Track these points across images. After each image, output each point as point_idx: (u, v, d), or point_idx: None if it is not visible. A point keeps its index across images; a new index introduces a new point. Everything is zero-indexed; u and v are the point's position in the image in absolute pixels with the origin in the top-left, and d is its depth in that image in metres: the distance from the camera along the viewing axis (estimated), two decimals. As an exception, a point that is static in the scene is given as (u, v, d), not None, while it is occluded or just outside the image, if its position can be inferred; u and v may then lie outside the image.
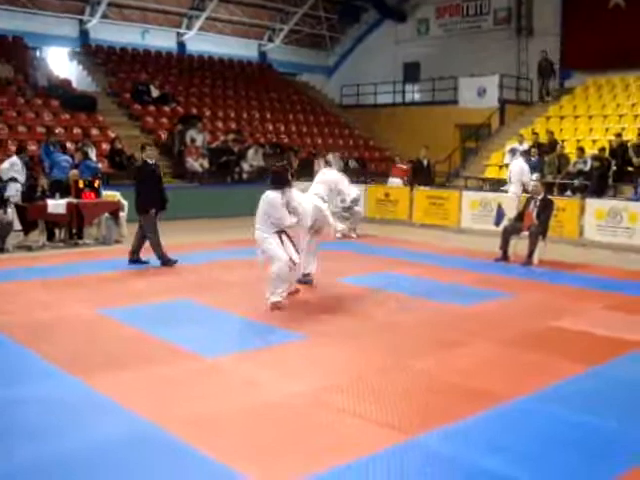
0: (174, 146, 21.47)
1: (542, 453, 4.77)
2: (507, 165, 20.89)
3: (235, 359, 6.80)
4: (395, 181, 20.53)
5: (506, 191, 18.38)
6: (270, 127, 26.26)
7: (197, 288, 10.14)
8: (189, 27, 29.87)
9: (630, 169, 18.90)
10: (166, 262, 12.02)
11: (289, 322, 8.26)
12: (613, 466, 4.62)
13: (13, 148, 17.90)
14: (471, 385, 6.10)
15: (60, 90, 22.81)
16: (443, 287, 10.57)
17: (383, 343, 7.46)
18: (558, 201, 14.73)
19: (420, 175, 19.99)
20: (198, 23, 29.60)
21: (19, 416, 5.35)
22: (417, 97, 31.09)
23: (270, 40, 32.53)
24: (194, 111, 24.81)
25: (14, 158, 16.08)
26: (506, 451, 4.77)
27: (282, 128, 26.60)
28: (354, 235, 16.07)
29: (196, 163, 20.93)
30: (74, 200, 14.41)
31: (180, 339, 7.38)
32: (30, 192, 14.40)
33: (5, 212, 13.56)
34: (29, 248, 13.83)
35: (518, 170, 17.10)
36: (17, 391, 5.87)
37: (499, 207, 14.29)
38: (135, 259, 12.15)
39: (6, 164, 15.67)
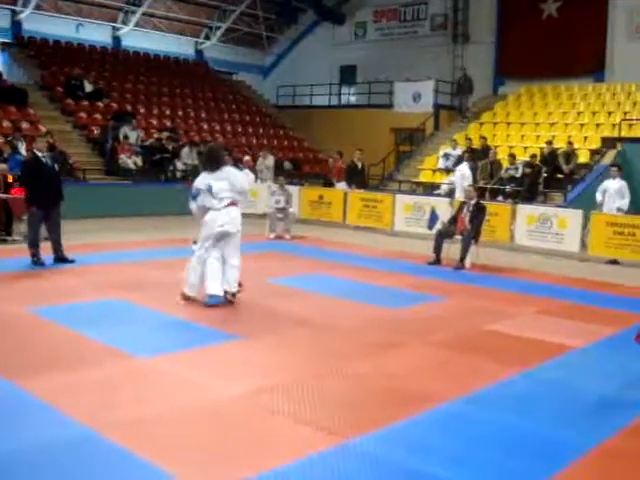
0: (107, 143, 21.12)
1: (474, 455, 4.81)
2: (445, 170, 21.26)
3: (170, 360, 6.70)
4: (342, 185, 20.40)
5: (440, 195, 18.68)
6: (205, 126, 26.07)
7: (128, 287, 9.96)
8: (125, 22, 29.50)
9: (560, 176, 19.34)
10: (37, 262, 11.60)
11: (224, 323, 8.20)
12: (547, 467, 4.68)
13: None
14: (405, 388, 6.12)
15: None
16: (376, 290, 10.62)
17: (318, 346, 7.44)
18: (490, 206, 14.93)
19: (354, 177, 20.06)
20: (134, 18, 29.25)
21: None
22: (353, 100, 31.30)
23: (207, 38, 32.32)
24: (128, 107, 24.46)
25: None
26: (438, 453, 4.79)
27: (217, 127, 26.43)
28: (287, 236, 16.05)
29: (129, 160, 20.64)
30: (2, 195, 14.07)
31: (113, 339, 7.24)
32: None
33: None
34: (-46, 245, 13.48)
35: (459, 175, 17.41)
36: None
37: (432, 211, 14.47)
38: (61, 257, 11.85)
39: None
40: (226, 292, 9.04)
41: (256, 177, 19.64)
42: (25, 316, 8.22)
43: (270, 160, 21.24)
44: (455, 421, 5.42)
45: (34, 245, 11.60)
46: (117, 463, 4.55)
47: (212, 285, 8.88)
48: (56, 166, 12.16)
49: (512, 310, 9.48)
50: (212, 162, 9.07)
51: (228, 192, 8.90)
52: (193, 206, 9.10)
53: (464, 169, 17.98)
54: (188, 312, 8.64)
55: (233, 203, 8.98)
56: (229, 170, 9.22)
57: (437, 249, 13.22)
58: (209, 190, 8.88)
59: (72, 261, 11.79)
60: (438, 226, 13.68)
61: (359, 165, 20.29)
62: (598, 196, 15.48)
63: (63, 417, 5.23)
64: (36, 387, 5.78)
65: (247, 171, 15.28)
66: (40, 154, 11.85)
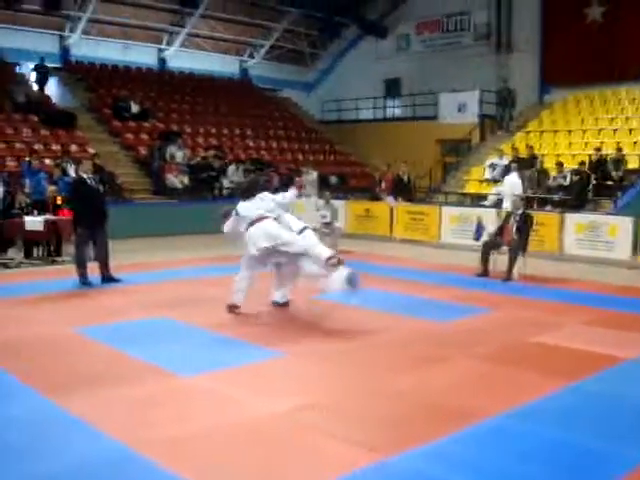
0: (153, 162, 21.36)
1: (518, 471, 4.69)
2: (492, 180, 21.05)
3: (211, 378, 6.69)
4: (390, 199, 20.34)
5: (486, 206, 18.49)
6: (251, 143, 26.23)
7: (174, 305, 10.01)
8: (170, 43, 29.86)
9: (609, 183, 19.00)
10: (85, 282, 11.74)
11: (266, 340, 8.15)
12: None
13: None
14: (447, 403, 6.02)
15: (39, 106, 22.70)
16: (422, 302, 10.52)
17: (361, 361, 7.37)
18: (538, 216, 14.73)
19: (400, 190, 19.97)
20: (179, 39, 29.60)
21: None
22: (398, 112, 31.20)
23: (251, 56, 32.54)
24: (174, 127, 24.73)
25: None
26: (480, 470, 4.69)
27: (263, 144, 26.57)
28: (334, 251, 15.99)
29: (176, 179, 20.84)
30: (51, 217, 14.29)
31: (156, 358, 7.27)
32: (7, 209, 14.28)
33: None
34: (5, 265, 13.69)
35: (509, 185, 17.20)
36: (-14, 412, 5.75)
37: (479, 222, 14.28)
38: (108, 277, 11.97)
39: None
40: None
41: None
42: (70, 335, 8.30)
43: (313, 175, 21.26)
44: (498, 436, 5.30)
45: (81, 265, 11.74)
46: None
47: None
48: (101, 187, 12.28)
49: (560, 321, 9.29)
50: (245, 193, 9.80)
51: (260, 210, 9.39)
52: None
53: (514, 179, 17.76)
54: (231, 329, 8.66)
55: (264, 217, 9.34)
56: (262, 195, 9.61)
57: (484, 261, 13.06)
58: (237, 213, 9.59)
59: (119, 280, 11.91)
60: (485, 237, 13.51)
61: (404, 178, 20.21)
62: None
63: (102, 435, 5.24)
64: (76, 405, 5.81)
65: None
66: (85, 176, 12.02)
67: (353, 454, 4.96)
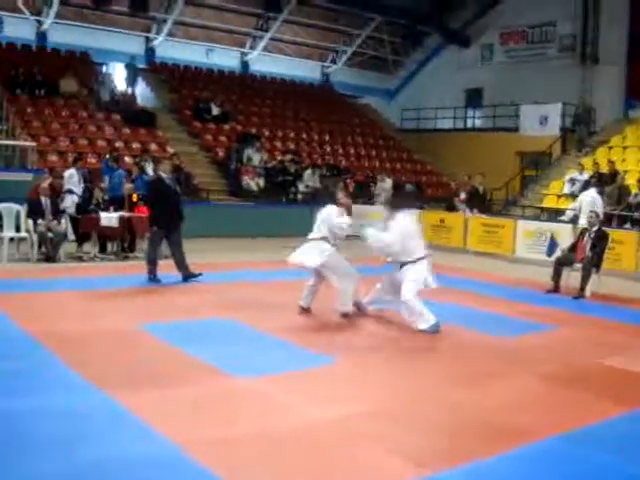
0: (230, 164, 21.59)
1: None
2: (570, 195, 20.60)
3: (267, 381, 6.69)
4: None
5: (564, 221, 18.08)
6: (328, 149, 26.30)
7: (240, 307, 10.07)
8: (253, 47, 30.20)
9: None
10: (153, 279, 11.90)
11: (323, 345, 8.13)
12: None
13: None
14: (503, 421, 5.87)
15: (122, 105, 23.19)
16: (487, 317, 10.34)
17: (416, 371, 7.29)
18: (616, 234, 14.39)
19: (475, 202, 19.73)
20: (262, 43, 29.92)
21: (44, 427, 5.31)
22: (478, 123, 30.91)
23: (333, 62, 32.66)
24: (253, 130, 24.99)
25: (71, 170, 16.38)
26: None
27: (340, 150, 26.60)
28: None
29: (252, 182, 21.03)
30: (127, 214, 14.55)
31: (215, 358, 7.31)
32: (85, 204, 14.61)
33: (59, 223, 13.74)
34: (80, 259, 14.03)
35: (590, 201, 16.74)
36: (45, 402, 5.84)
37: (552, 237, 14.02)
38: (187, 274, 12.09)
39: (65, 175, 15.95)
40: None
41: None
42: (135, 331, 8.41)
43: (388, 183, 21.19)
44: (548, 459, 5.13)
45: (152, 262, 11.94)
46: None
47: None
48: (177, 188, 12.42)
49: (630, 343, 9.00)
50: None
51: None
52: None
53: (592, 194, 17.26)
54: (292, 334, 8.64)
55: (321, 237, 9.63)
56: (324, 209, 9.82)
57: (556, 277, 12.79)
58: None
59: (199, 275, 12.11)
60: (558, 253, 13.24)
61: (480, 189, 19.96)
62: None
63: (152, 432, 5.29)
64: (132, 401, 5.87)
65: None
66: (164, 175, 12.21)
67: (400, 467, 4.88)
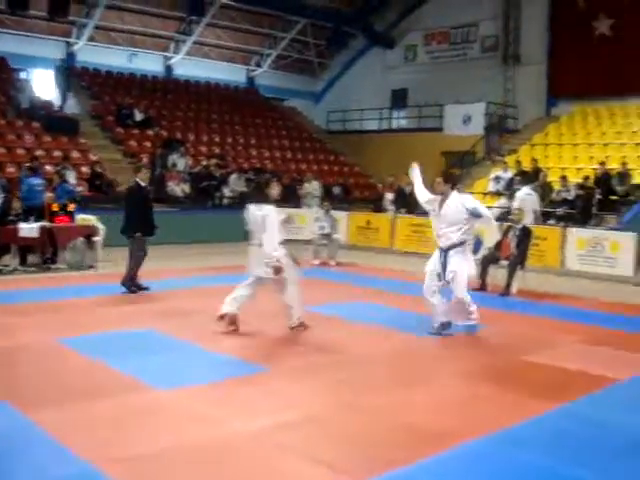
0: (155, 170, 21.20)
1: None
2: (496, 193, 20.79)
3: (189, 393, 6.51)
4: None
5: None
6: (254, 152, 26.11)
7: (163, 317, 9.84)
8: (176, 51, 29.80)
9: (614, 198, 18.78)
10: (132, 289, 11.70)
11: (250, 354, 7.97)
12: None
13: (-9, 170, 17.77)
14: (426, 425, 5.81)
15: (42, 112, 22.63)
16: (414, 317, 10.25)
17: (345, 378, 7.16)
18: (540, 230, 14.57)
19: (402, 202, 19.79)
20: (185, 47, 29.55)
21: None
22: (404, 123, 31.09)
23: (258, 65, 32.47)
24: (178, 135, 24.66)
25: (-10, 179, 15.92)
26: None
27: (266, 154, 26.44)
28: (332, 263, 15.84)
29: (177, 187, 20.72)
30: (47, 224, 14.16)
31: (135, 371, 7.09)
32: (3, 215, 14.16)
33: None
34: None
35: (533, 199, 16.76)
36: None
37: (477, 236, 14.05)
38: (130, 285, 11.82)
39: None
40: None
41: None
42: (52, 346, 8.13)
43: (314, 185, 21.14)
44: (475, 462, 5.07)
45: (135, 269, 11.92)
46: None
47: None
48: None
49: (555, 339, 9.08)
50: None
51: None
52: None
53: (532, 192, 17.11)
54: (219, 343, 8.46)
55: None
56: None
57: (482, 275, 12.87)
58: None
59: (146, 288, 11.92)
60: (483, 251, 13.32)
61: (406, 190, 19.99)
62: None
63: (65, 451, 5.08)
64: (44, 419, 5.65)
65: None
66: (143, 184, 12.07)
67: (320, 477, 4.78)
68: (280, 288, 8.88)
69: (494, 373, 7.46)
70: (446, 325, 9.12)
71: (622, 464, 5.21)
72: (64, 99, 24.31)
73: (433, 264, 9.20)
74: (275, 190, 8.92)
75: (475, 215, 8.99)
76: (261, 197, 8.82)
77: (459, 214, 8.95)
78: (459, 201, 9.03)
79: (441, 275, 9.08)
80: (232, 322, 8.79)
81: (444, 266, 9.04)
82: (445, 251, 9.07)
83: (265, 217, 8.58)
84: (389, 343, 8.74)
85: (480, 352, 8.37)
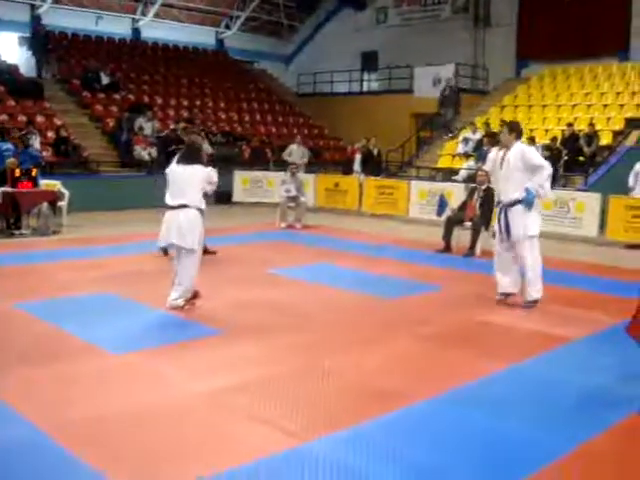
0: (122, 135, 21.02)
1: (440, 461, 4.50)
2: (465, 155, 20.82)
3: (143, 356, 6.49)
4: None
5: (457, 181, 18.29)
6: (223, 116, 25.87)
7: (125, 281, 9.78)
8: (144, 13, 29.33)
9: (581, 159, 18.84)
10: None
11: (207, 317, 7.93)
12: (515, 471, 4.39)
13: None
14: (381, 385, 5.84)
15: (6, 76, 22.27)
16: (376, 279, 10.34)
17: (300, 340, 7.16)
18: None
19: (369, 164, 19.74)
20: (153, 9, 29.06)
21: None
22: (374, 86, 30.96)
23: (227, 27, 32.06)
24: (146, 99, 24.35)
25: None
26: (395, 458, 4.50)
27: (235, 117, 26.22)
28: (299, 225, 15.80)
29: (144, 152, 20.51)
30: (9, 189, 14.00)
31: (91, 335, 7.06)
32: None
33: None
34: (-40, 238, 13.45)
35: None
36: None
37: (441, 197, 14.10)
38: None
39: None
40: None
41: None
42: (8, 311, 8.05)
43: (302, 148, 21.12)
44: (423, 423, 5.10)
45: None
46: (56, 465, 4.39)
47: None
48: None
49: (513, 299, 9.09)
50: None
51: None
52: None
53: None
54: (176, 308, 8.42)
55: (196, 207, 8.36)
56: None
57: (447, 236, 12.93)
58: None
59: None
60: (448, 212, 13.34)
61: (374, 151, 19.98)
62: (630, 180, 15.04)
63: (15, 415, 5.07)
64: (-4, 385, 5.63)
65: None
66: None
67: (270, 438, 4.79)
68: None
69: (448, 334, 7.50)
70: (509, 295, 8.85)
71: (576, 419, 5.27)
72: (40, 64, 23.84)
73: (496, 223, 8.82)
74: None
75: (531, 167, 8.43)
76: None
77: (518, 167, 8.46)
78: (520, 152, 8.52)
79: (504, 235, 8.71)
80: (196, 296, 8.60)
81: (507, 225, 8.64)
82: (506, 208, 8.63)
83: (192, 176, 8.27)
84: (349, 305, 8.76)
85: (435, 313, 8.39)
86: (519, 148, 8.58)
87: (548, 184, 8.52)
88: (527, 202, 8.36)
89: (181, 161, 8.43)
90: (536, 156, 8.67)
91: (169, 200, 8.27)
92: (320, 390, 5.72)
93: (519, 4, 26.50)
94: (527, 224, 8.54)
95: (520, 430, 5.04)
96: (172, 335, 7.25)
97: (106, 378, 5.95)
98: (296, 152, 20.98)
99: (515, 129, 8.74)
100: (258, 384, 5.79)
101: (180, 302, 8.20)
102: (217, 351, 6.76)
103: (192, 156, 8.48)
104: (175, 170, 8.36)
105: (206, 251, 11.05)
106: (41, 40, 23.76)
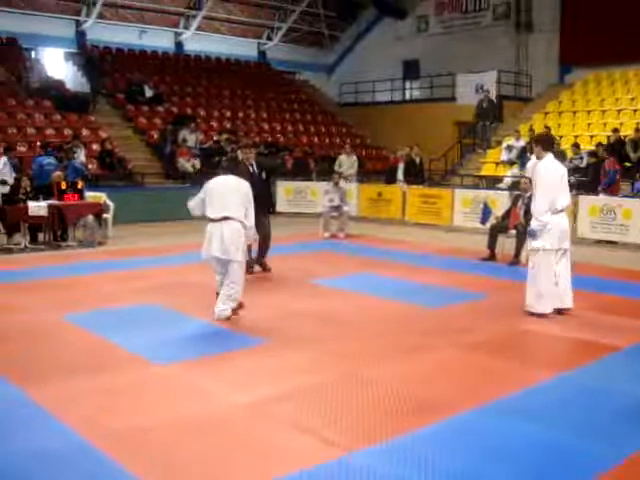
0: (165, 146, 21.24)
1: (482, 471, 4.43)
2: (508, 163, 20.68)
3: (187, 366, 6.52)
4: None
5: (501, 188, 18.15)
6: (266, 126, 26.01)
7: (169, 292, 9.85)
8: (186, 27, 29.62)
9: (627, 164, 18.56)
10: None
11: (252, 327, 7.95)
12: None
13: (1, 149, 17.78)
14: (424, 395, 5.78)
15: (53, 91, 22.63)
16: (419, 288, 10.27)
17: (344, 349, 7.14)
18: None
19: (412, 173, 19.63)
20: (195, 22, 29.35)
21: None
22: (416, 94, 30.88)
23: (269, 39, 32.25)
24: (189, 111, 24.61)
25: (3, 159, 15.94)
26: (442, 470, 4.43)
27: (278, 127, 26.34)
28: (342, 235, 15.79)
29: (187, 163, 20.69)
30: (56, 202, 14.19)
31: (136, 346, 7.13)
32: (12, 194, 14.21)
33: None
34: (10, 250, 13.63)
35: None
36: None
37: (485, 205, 13.97)
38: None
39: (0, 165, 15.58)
40: None
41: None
42: (56, 322, 8.17)
43: (352, 158, 21.07)
44: (468, 433, 5.03)
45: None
46: (100, 474, 4.42)
47: None
48: (264, 174, 11.19)
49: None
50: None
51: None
52: None
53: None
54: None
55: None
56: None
57: (491, 244, 12.81)
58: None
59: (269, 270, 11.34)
60: (492, 220, 13.22)
61: (417, 160, 19.88)
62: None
63: (58, 425, 5.14)
64: (43, 395, 5.69)
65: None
66: (247, 162, 10.98)
67: (313, 448, 4.77)
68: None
69: (493, 343, 7.40)
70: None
71: (626, 429, 5.16)
72: (92, 81, 24.09)
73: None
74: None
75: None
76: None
77: (534, 183, 8.50)
78: (537, 169, 8.49)
79: None
80: (240, 307, 8.59)
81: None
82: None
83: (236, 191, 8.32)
84: (392, 314, 8.70)
85: (481, 321, 8.29)
86: (539, 164, 8.49)
87: (542, 218, 8.32)
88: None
89: (225, 173, 8.49)
90: (540, 183, 8.39)
91: (211, 213, 8.28)
92: (363, 399, 5.68)
93: (561, 9, 26.22)
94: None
95: (567, 440, 4.94)
96: (216, 345, 7.29)
97: (150, 388, 5.99)
98: (346, 162, 20.97)
99: (540, 140, 8.74)
100: (301, 394, 5.77)
101: (227, 313, 8.24)
102: (261, 361, 6.77)
103: (236, 169, 8.57)
104: (219, 182, 8.40)
105: (263, 267, 11.07)
106: (95, 66, 23.91)
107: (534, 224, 8.43)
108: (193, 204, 8.55)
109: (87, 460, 4.59)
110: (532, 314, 8.48)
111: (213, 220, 8.26)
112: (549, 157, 8.48)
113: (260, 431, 5.07)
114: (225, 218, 8.18)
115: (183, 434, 5.00)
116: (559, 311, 8.53)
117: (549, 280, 8.42)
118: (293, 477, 4.32)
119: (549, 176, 8.37)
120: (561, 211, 8.47)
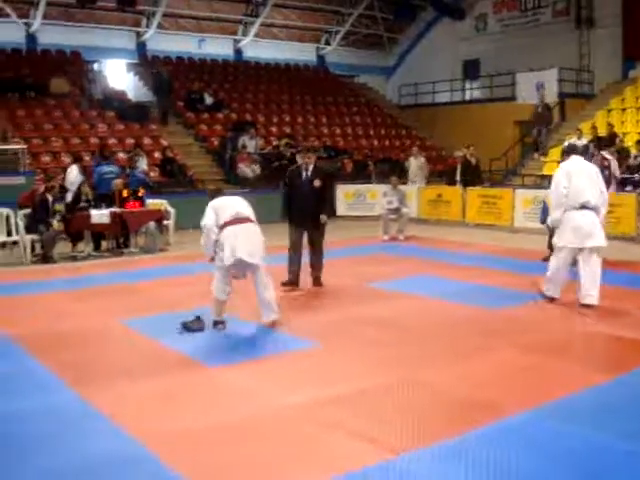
0: (225, 153, 21.45)
1: (537, 474, 4.37)
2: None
3: (239, 369, 6.60)
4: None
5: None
6: (325, 130, 26.06)
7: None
8: (245, 34, 29.84)
9: (694, 161, 18.12)
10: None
11: (306, 330, 7.98)
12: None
13: (67, 160, 18.16)
14: (480, 398, 5.70)
15: (115, 102, 23.05)
16: (479, 289, 10.16)
17: (399, 352, 7.11)
18: (613, 197, 14.10)
19: (469, 174, 19.39)
20: (253, 29, 29.54)
21: (15, 429, 5.27)
22: (476, 94, 30.59)
23: (327, 43, 32.28)
24: (248, 117, 24.79)
25: (75, 166, 16.28)
26: (497, 472, 4.38)
27: (338, 131, 26.36)
28: (401, 237, 15.72)
29: (247, 169, 20.86)
30: (118, 210, 14.44)
31: (192, 349, 7.25)
32: (74, 202, 14.51)
33: (51, 224, 13.66)
34: (74, 258, 13.91)
35: (613, 166, 16.22)
36: (11, 404, 5.76)
37: (544, 203, 13.73)
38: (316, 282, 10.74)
39: (74, 173, 15.89)
40: None
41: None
42: (114, 328, 8.34)
43: (420, 160, 21.07)
44: (525, 435, 4.95)
45: (291, 265, 10.56)
46: (153, 476, 4.51)
47: None
48: (317, 182, 10.51)
49: (623, 308, 8.74)
50: None
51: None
52: None
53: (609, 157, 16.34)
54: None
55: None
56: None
57: (551, 244, 12.57)
58: None
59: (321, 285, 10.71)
60: (551, 219, 12.98)
61: (473, 161, 19.63)
62: None
63: (117, 429, 5.23)
64: (100, 398, 5.81)
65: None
66: (303, 167, 10.62)
67: (365, 451, 4.75)
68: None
69: (552, 344, 7.27)
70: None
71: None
72: (160, 97, 24.30)
73: None
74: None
75: None
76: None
77: None
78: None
79: None
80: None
81: None
82: None
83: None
84: (451, 316, 8.63)
85: (542, 323, 8.17)
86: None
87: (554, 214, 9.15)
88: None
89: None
90: (553, 184, 9.14)
91: (227, 217, 8.08)
92: (415, 401, 5.66)
93: (622, 3, 25.64)
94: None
95: (624, 443, 4.83)
96: (268, 348, 7.35)
97: (204, 391, 6.05)
98: (413, 164, 20.95)
99: (566, 149, 9.66)
100: (352, 396, 5.77)
101: (274, 316, 8.25)
102: (315, 363, 6.79)
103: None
104: (225, 199, 8.53)
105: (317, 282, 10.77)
106: (163, 82, 24.17)
107: (547, 219, 9.51)
108: (207, 228, 8.18)
109: (140, 463, 4.66)
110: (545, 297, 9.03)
111: (231, 223, 8.02)
112: (571, 158, 9.16)
113: (312, 433, 5.09)
114: (246, 219, 8.16)
115: (236, 436, 5.05)
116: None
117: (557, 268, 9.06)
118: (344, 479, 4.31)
119: (557, 174, 9.13)
120: (584, 207, 8.79)
